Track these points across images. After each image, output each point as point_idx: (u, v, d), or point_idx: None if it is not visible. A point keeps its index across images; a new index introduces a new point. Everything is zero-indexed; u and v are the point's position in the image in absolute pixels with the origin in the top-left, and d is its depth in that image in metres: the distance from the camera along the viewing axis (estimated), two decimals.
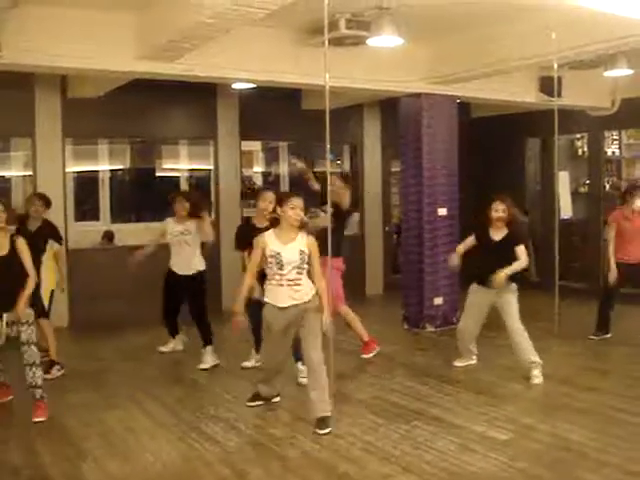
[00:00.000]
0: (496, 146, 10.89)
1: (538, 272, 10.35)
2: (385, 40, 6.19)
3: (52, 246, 6.78)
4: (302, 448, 4.62)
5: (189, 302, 6.91)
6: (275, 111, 9.58)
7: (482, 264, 6.15)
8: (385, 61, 7.28)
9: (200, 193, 8.67)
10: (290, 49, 6.88)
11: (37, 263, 6.01)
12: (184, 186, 10.34)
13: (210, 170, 9.99)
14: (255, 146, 11.50)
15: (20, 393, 5.52)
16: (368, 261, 10.93)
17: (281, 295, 4.89)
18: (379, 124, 10.97)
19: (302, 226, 4.93)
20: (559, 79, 7.73)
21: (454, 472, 4.20)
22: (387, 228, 11.23)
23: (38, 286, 5.83)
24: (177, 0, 5.40)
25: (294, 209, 4.86)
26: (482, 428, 4.90)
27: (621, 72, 7.91)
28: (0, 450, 4.66)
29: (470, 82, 7.94)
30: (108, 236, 9.69)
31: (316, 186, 7.16)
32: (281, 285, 4.88)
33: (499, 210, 6.09)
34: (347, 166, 11.31)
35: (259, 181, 11.46)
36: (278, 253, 4.84)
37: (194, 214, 6.83)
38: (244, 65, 6.68)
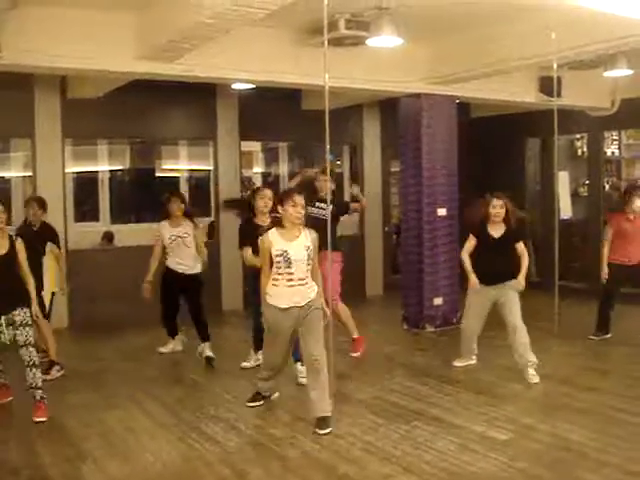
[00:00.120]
0: (496, 146, 10.87)
1: (538, 272, 10.34)
2: (384, 40, 6.20)
3: (51, 248, 6.78)
4: (302, 448, 4.62)
5: (188, 301, 6.95)
6: (275, 111, 9.56)
7: (482, 262, 6.15)
8: (385, 61, 7.28)
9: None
10: (290, 49, 6.88)
11: (37, 265, 6.03)
12: (184, 186, 10.33)
13: (210, 170, 9.99)
14: (255, 146, 11.51)
15: (20, 394, 5.52)
16: (368, 261, 10.91)
17: (287, 296, 4.89)
18: (379, 124, 10.96)
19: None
20: (559, 79, 7.73)
21: (454, 472, 4.20)
22: (387, 228, 11.22)
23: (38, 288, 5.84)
24: (177, 0, 5.40)
25: (295, 207, 4.87)
26: (482, 428, 4.90)
27: (621, 72, 7.91)
28: (0, 450, 4.67)
29: (470, 82, 7.93)
30: (108, 237, 9.69)
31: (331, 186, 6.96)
32: (291, 286, 4.87)
33: (497, 206, 6.09)
34: (347, 166, 11.31)
35: (259, 181, 11.45)
36: (285, 251, 4.84)
37: (189, 214, 6.91)
38: (244, 65, 6.67)
